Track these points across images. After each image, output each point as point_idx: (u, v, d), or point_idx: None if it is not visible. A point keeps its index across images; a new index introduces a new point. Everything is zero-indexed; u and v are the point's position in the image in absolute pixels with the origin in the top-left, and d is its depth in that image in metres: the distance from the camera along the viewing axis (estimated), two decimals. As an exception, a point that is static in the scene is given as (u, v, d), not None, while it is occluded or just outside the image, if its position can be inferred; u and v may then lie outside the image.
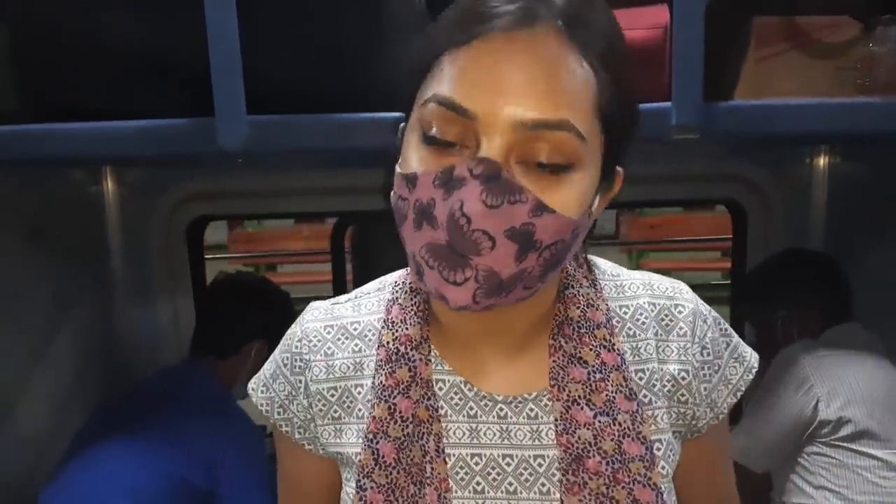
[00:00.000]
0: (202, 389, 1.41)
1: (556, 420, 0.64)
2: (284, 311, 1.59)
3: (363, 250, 2.34)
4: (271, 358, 0.74)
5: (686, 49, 0.95)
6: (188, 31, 0.96)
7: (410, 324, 0.67)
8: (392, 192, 0.60)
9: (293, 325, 0.74)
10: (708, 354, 0.68)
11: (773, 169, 1.74)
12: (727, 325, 0.72)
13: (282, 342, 0.74)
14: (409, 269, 0.70)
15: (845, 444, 1.37)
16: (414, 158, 0.57)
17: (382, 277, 0.75)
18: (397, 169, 0.60)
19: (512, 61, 0.54)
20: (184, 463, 1.27)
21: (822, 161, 1.74)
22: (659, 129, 0.98)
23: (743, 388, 0.70)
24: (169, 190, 1.75)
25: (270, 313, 1.55)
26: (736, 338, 0.72)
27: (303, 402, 0.70)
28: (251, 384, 0.75)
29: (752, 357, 0.72)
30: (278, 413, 0.72)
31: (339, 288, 2.11)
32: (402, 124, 0.63)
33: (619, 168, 0.62)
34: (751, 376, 0.71)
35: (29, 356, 1.42)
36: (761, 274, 1.61)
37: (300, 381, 0.70)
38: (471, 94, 0.54)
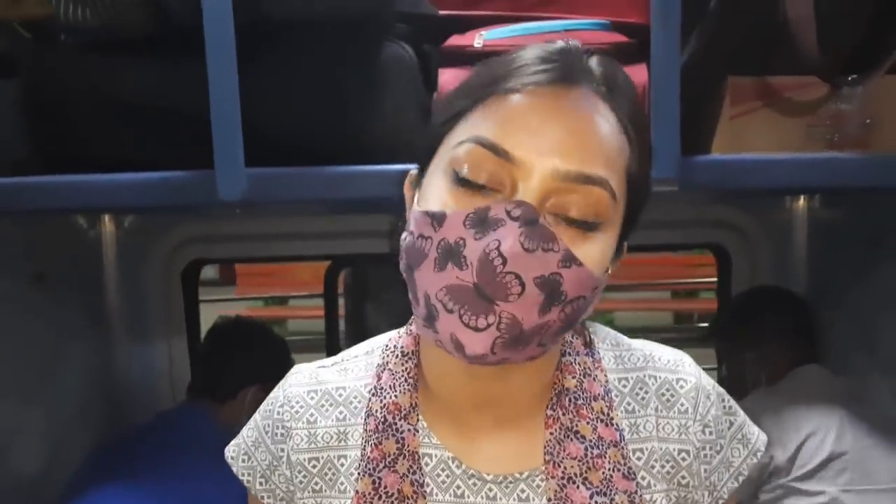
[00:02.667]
0: (200, 433, 1.42)
1: (549, 500, 0.60)
2: (281, 356, 1.62)
3: (356, 293, 2.38)
4: (252, 423, 0.70)
5: (664, 106, 1.00)
6: (191, 87, 1.01)
7: (400, 391, 0.63)
8: (405, 233, 0.58)
9: (276, 389, 0.70)
10: (710, 433, 0.64)
11: (755, 214, 1.79)
12: (733, 403, 0.68)
13: (263, 406, 0.70)
14: (398, 333, 0.69)
15: (794, 485, 1.41)
16: (440, 198, 0.55)
17: (371, 340, 0.71)
18: (415, 207, 0.58)
19: (556, 113, 0.54)
20: None
21: (801, 206, 1.79)
22: (640, 181, 1.03)
23: (745, 472, 0.66)
24: (165, 234, 1.78)
25: (267, 359, 1.57)
26: (741, 416, 0.68)
27: (285, 472, 0.66)
28: (230, 452, 0.70)
29: (758, 439, 0.68)
30: (260, 484, 0.67)
31: (332, 330, 2.13)
32: (414, 171, 0.62)
33: (625, 244, 0.61)
34: (755, 459, 0.67)
35: (27, 397, 1.43)
36: (732, 314, 1.65)
37: (282, 451, 0.66)
38: (513, 137, 0.53)
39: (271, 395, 0.70)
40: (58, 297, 1.54)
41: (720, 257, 1.87)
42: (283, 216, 1.76)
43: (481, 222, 0.52)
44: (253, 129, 1.01)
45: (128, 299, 1.80)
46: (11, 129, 1.15)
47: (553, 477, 0.60)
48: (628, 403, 0.64)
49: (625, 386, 0.65)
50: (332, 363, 0.70)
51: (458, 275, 0.52)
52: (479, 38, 1.11)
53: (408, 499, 0.61)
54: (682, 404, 0.64)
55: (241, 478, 0.69)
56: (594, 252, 0.55)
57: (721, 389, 0.68)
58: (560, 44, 0.59)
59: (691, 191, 1.05)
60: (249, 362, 1.54)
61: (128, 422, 1.61)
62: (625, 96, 0.58)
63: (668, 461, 0.63)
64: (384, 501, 0.61)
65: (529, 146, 0.53)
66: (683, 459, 0.63)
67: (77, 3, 1.05)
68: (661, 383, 0.65)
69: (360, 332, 2.36)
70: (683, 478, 0.63)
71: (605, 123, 0.56)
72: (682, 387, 0.65)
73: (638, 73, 1.08)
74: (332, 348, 2.13)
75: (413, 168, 0.63)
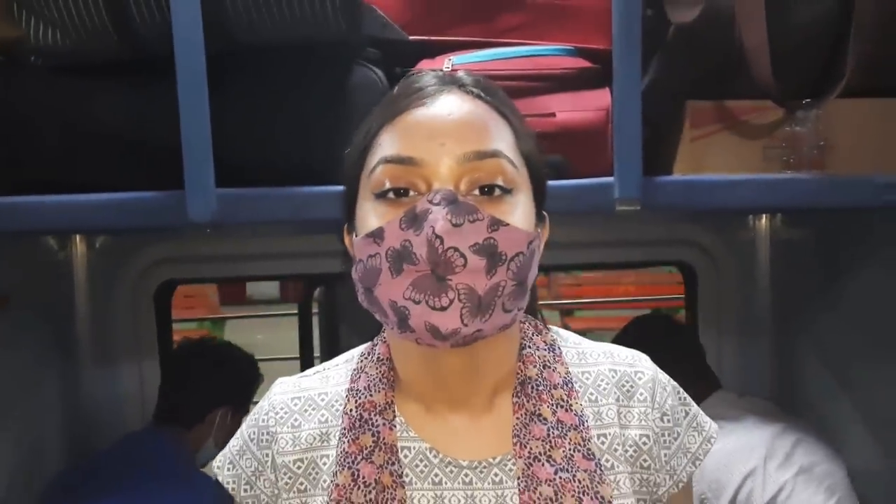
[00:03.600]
0: (167, 458, 1.40)
1: (518, 477, 0.65)
2: (249, 375, 1.60)
3: (330, 312, 2.38)
4: (238, 433, 0.74)
5: (626, 128, 1.03)
6: (160, 109, 1.02)
7: (375, 390, 0.68)
8: (354, 267, 0.64)
9: (261, 401, 0.74)
10: (668, 421, 0.70)
11: (719, 232, 1.83)
12: (686, 395, 0.74)
13: (249, 417, 0.74)
14: (374, 341, 0.74)
15: None
16: (373, 218, 0.62)
17: (351, 350, 0.77)
18: (356, 240, 0.64)
19: (441, 115, 0.63)
20: None
21: (764, 225, 1.84)
22: (603, 201, 1.05)
23: (702, 458, 0.72)
24: (137, 255, 1.76)
25: (234, 379, 1.56)
26: (695, 407, 0.74)
27: (270, 476, 0.70)
28: (216, 462, 0.74)
29: (710, 427, 0.74)
30: (245, 490, 0.71)
31: (307, 349, 2.13)
32: (346, 224, 0.69)
33: (545, 213, 0.70)
34: (709, 446, 0.73)
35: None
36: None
37: (267, 456, 0.70)
38: (412, 145, 0.61)
39: (257, 405, 0.74)
40: (25, 319, 1.52)
41: (686, 275, 1.91)
42: (255, 236, 1.76)
43: (413, 220, 0.60)
44: (223, 151, 1.03)
45: (98, 321, 1.77)
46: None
47: (521, 457, 0.65)
48: (591, 394, 0.70)
49: (587, 378, 0.71)
50: (314, 372, 0.75)
51: (415, 270, 0.59)
52: (447, 63, 1.14)
53: (388, 489, 0.65)
54: (641, 394, 0.70)
55: (226, 485, 0.73)
56: (516, 214, 0.63)
57: (675, 383, 0.74)
58: (430, 71, 0.69)
59: (654, 210, 1.08)
60: (217, 384, 1.52)
61: (98, 447, 1.58)
62: (494, 94, 0.67)
63: (630, 446, 0.69)
64: (362, 491, 0.65)
65: (428, 147, 0.61)
66: (644, 444, 0.69)
67: (48, 26, 1.06)
68: (622, 376, 0.71)
69: (334, 350, 2.36)
70: (645, 461, 0.69)
71: (483, 112, 0.64)
72: (640, 378, 0.71)
73: (602, 97, 1.12)
74: (306, 366, 2.13)
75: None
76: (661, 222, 1.80)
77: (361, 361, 0.73)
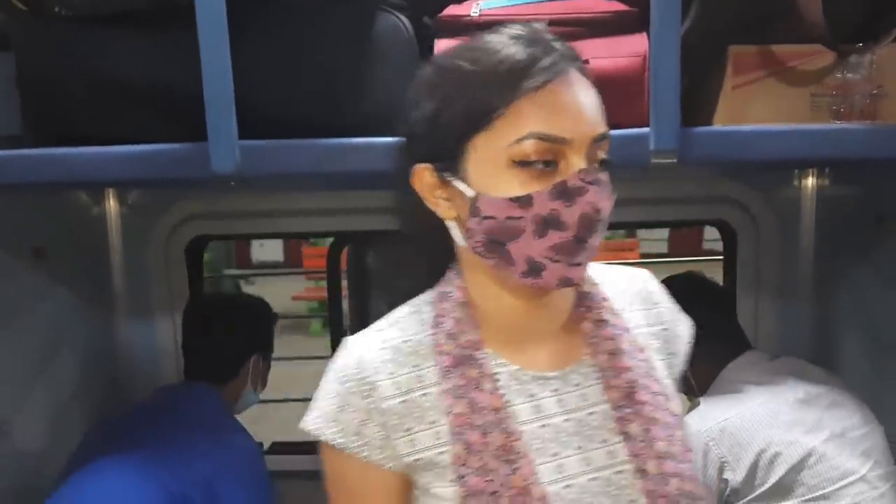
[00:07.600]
0: (203, 408, 1.41)
1: (603, 369, 0.78)
2: (269, 318, 1.61)
3: (358, 269, 2.38)
4: (329, 395, 0.77)
5: (663, 76, 0.98)
6: (183, 61, 1.00)
7: (469, 330, 0.77)
8: (478, 219, 0.72)
9: (341, 360, 0.78)
10: (672, 314, 0.88)
11: (762, 190, 1.75)
12: None
13: (335, 377, 0.77)
14: (437, 290, 0.81)
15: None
16: (509, 183, 0.70)
17: (411, 301, 0.83)
18: (487, 195, 0.71)
19: (577, 96, 0.71)
20: (185, 479, 1.26)
21: (810, 182, 1.75)
22: (638, 153, 1.01)
23: (691, 341, 0.88)
24: (169, 210, 1.78)
25: (258, 326, 1.56)
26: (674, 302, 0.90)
27: (378, 421, 0.75)
28: (311, 426, 0.77)
29: (686, 316, 0.90)
30: (353, 441, 0.75)
31: (335, 307, 2.13)
32: (422, 167, 0.75)
33: None
34: (692, 330, 0.89)
35: (29, 373, 1.45)
36: None
37: (371, 404, 0.75)
38: (559, 126, 0.69)
39: (340, 363, 0.78)
40: (60, 273, 1.55)
41: (726, 235, 1.84)
42: (285, 193, 1.75)
43: (563, 193, 0.69)
44: (246, 102, 1.01)
45: (132, 275, 1.80)
46: (6, 105, 1.15)
47: (602, 352, 0.79)
48: (619, 305, 0.84)
49: (612, 294, 0.84)
50: (388, 325, 0.81)
51: (560, 236, 0.70)
52: (476, 7, 1.10)
53: (500, 409, 0.74)
54: (655, 298, 0.87)
55: (332, 442, 0.76)
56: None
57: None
58: (535, 33, 0.72)
59: (691, 163, 1.03)
60: (243, 338, 1.52)
61: (132, 399, 1.61)
62: (584, 67, 0.74)
63: (657, 338, 0.85)
64: (480, 416, 0.74)
65: (572, 128, 0.70)
66: (667, 337, 0.85)
67: (71, -24, 1.04)
68: (637, 287, 0.87)
69: (363, 307, 2.36)
70: (669, 349, 0.85)
71: (595, 93, 0.73)
72: (650, 286, 0.88)
73: (638, 43, 1.06)
74: (335, 322, 2.13)
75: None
76: (700, 178, 1.74)
77: (440, 307, 0.79)
